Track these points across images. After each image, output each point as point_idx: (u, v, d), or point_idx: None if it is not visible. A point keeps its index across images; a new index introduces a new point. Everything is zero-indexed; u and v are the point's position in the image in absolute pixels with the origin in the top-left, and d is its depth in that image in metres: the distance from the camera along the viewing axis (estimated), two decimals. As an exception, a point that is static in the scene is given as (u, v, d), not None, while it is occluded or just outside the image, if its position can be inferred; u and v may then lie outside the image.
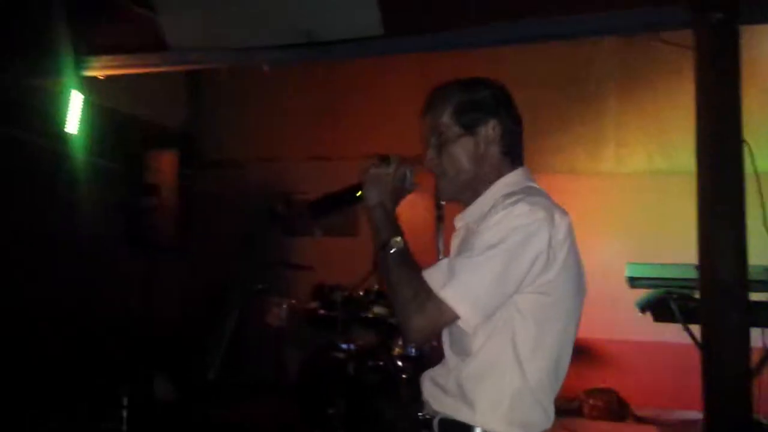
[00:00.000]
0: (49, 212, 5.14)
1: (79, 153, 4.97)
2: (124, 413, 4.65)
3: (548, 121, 6.02)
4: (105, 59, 4.45)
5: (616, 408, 5.50)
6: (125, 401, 4.66)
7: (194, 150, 6.37)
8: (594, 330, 5.69)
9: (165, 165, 5.10)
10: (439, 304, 1.60)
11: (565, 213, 1.68)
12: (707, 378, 3.23)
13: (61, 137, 4.85)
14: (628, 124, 6.02)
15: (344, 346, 5.41)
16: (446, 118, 1.80)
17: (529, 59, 5.77)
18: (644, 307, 3.92)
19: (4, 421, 4.59)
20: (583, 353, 5.74)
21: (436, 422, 1.73)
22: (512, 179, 1.79)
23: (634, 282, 4.06)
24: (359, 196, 1.81)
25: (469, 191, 1.82)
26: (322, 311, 5.64)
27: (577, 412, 5.45)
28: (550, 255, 1.63)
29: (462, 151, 1.79)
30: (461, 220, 1.87)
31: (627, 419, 5.50)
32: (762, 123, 4.28)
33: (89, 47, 4.37)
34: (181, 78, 7.09)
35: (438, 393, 1.74)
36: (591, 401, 5.49)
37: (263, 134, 6.96)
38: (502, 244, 1.60)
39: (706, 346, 3.25)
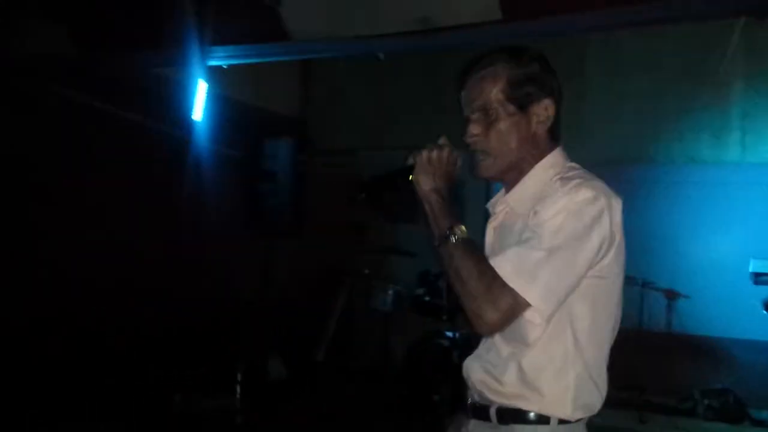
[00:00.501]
0: (174, 196, 5.41)
1: (202, 140, 5.20)
2: (239, 389, 4.87)
3: (669, 107, 5.81)
4: (229, 49, 4.60)
5: (733, 409, 5.25)
6: (240, 378, 4.88)
7: (308, 138, 6.52)
8: (712, 328, 5.47)
9: (281, 152, 5.25)
10: (515, 296, 1.55)
11: (618, 195, 1.64)
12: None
13: (187, 125, 5.07)
14: (756, 112, 5.70)
15: (449, 333, 5.44)
16: (497, 93, 1.70)
17: (649, 42, 5.57)
18: (770, 305, 3.75)
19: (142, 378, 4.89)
20: (699, 352, 5.52)
21: (493, 411, 1.69)
22: (553, 160, 1.73)
23: (758, 278, 3.90)
24: (411, 179, 1.73)
25: (514, 171, 1.74)
26: (427, 298, 5.68)
27: (691, 413, 5.23)
28: (611, 239, 1.60)
29: (514, 130, 1.70)
30: (502, 204, 1.79)
31: (744, 422, 5.24)
32: None
33: (214, 37, 4.51)
34: (295, 66, 7.29)
35: (493, 383, 1.68)
36: (706, 402, 5.25)
37: (373, 122, 7.05)
38: (571, 231, 1.56)
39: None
